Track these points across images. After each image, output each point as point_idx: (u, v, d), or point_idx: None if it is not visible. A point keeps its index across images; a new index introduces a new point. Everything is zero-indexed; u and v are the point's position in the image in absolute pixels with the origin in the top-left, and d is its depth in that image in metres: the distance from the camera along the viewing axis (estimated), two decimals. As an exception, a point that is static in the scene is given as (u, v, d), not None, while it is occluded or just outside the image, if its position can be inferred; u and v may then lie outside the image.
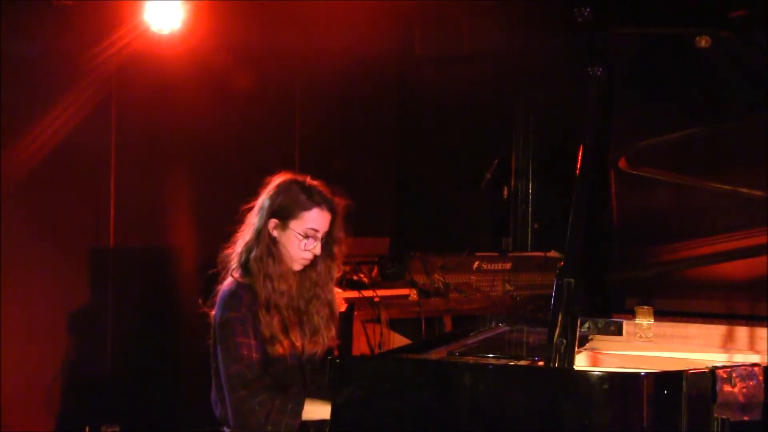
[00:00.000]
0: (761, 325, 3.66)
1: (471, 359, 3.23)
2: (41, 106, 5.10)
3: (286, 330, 3.26)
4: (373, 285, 5.12)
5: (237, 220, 3.39)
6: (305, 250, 3.29)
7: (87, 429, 5.25)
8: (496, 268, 5.78)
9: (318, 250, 3.32)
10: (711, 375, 2.70)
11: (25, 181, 5.07)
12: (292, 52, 6.16)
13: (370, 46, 6.45)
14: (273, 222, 3.29)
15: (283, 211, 3.29)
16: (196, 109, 5.67)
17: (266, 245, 3.27)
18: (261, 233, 3.28)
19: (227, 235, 3.41)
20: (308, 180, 3.36)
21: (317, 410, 3.10)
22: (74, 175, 5.29)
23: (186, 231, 5.74)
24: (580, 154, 3.08)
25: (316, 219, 3.29)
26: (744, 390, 2.71)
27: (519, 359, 3.21)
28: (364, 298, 4.99)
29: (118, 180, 5.43)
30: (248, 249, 3.30)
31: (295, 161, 6.27)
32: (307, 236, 3.28)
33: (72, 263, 5.31)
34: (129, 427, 5.35)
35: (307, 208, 3.28)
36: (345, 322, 4.85)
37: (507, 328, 4.05)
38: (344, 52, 6.29)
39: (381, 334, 5.03)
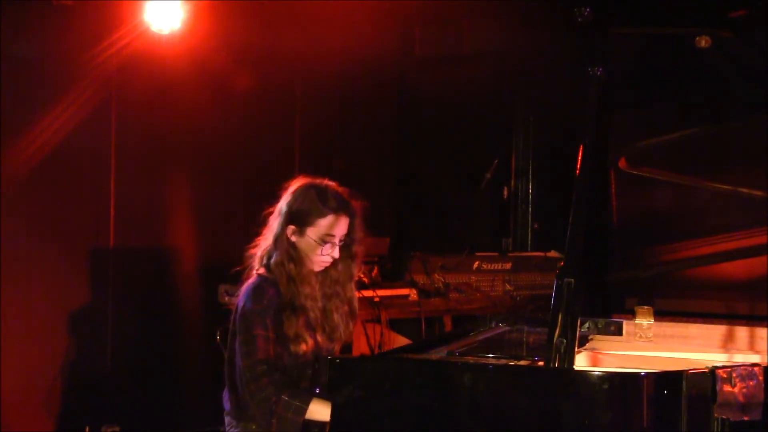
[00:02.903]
0: (761, 325, 3.65)
1: (471, 359, 3.22)
2: (41, 106, 5.10)
3: (312, 328, 3.31)
4: (373, 285, 5.12)
5: (261, 222, 3.42)
6: (323, 255, 3.33)
7: (87, 429, 5.25)
8: (496, 268, 5.78)
9: (337, 254, 3.37)
10: (711, 375, 2.70)
11: (25, 181, 5.07)
12: (292, 52, 6.16)
13: (370, 46, 6.44)
14: (291, 228, 3.33)
15: (299, 218, 3.33)
16: (196, 109, 5.67)
17: (285, 250, 3.32)
18: (280, 239, 3.33)
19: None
20: (325, 184, 3.39)
21: (323, 411, 3.11)
22: (74, 175, 5.29)
23: (186, 231, 5.74)
24: (580, 154, 3.08)
25: (333, 225, 3.33)
26: (744, 390, 2.71)
27: (519, 359, 3.20)
28: (364, 298, 4.99)
29: (118, 180, 5.43)
30: (268, 253, 3.35)
31: (295, 161, 6.27)
32: (324, 242, 3.33)
33: (72, 263, 5.31)
34: (129, 427, 5.35)
35: (323, 215, 3.32)
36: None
37: (507, 328, 4.04)
38: (344, 52, 6.29)
39: (381, 334, 5.03)
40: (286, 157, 6.25)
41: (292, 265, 3.30)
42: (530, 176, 6.84)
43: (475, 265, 5.69)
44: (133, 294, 5.51)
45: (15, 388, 4.98)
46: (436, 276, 5.46)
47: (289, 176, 3.45)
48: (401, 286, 5.30)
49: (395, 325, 5.16)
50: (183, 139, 5.70)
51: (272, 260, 3.32)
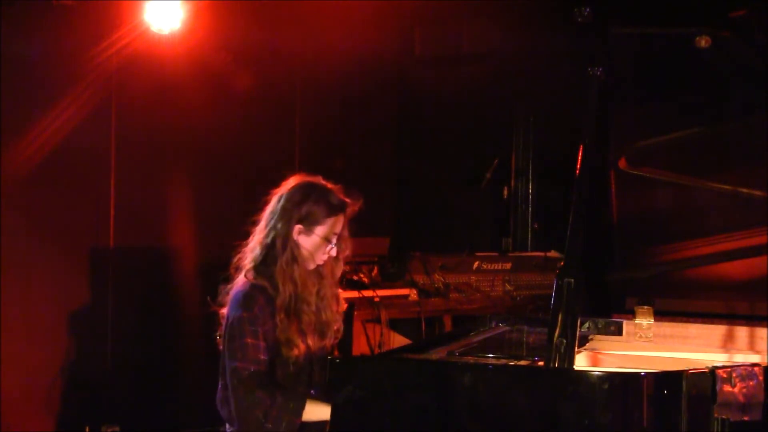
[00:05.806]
0: (761, 325, 3.65)
1: (471, 359, 3.23)
2: (41, 106, 5.11)
3: (303, 333, 3.29)
4: (373, 285, 5.12)
5: (253, 222, 3.38)
6: (326, 253, 3.33)
7: (87, 429, 5.25)
8: (496, 268, 5.77)
9: (335, 252, 3.36)
10: (711, 375, 2.70)
11: (25, 181, 5.07)
12: (292, 52, 6.16)
13: (370, 46, 6.45)
14: (298, 228, 3.30)
15: (309, 217, 3.30)
16: (196, 109, 5.68)
17: (291, 251, 3.29)
18: (287, 239, 3.29)
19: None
20: (323, 182, 3.38)
21: (318, 411, 3.10)
22: (74, 175, 5.29)
23: (186, 231, 5.74)
24: (580, 154, 3.08)
25: (339, 223, 3.34)
26: (744, 390, 2.71)
27: (519, 359, 3.21)
28: (364, 298, 4.99)
29: (118, 180, 5.44)
30: (269, 253, 3.30)
31: (295, 161, 6.27)
32: (330, 240, 3.32)
33: (72, 263, 5.31)
34: (129, 427, 5.35)
35: (333, 214, 3.32)
36: (345, 322, 4.85)
37: (507, 328, 4.04)
38: (344, 52, 6.29)
39: (381, 334, 5.03)
40: (286, 157, 6.25)
41: (295, 266, 3.28)
42: (530, 176, 6.84)
43: (475, 265, 5.69)
44: (133, 294, 5.51)
45: (15, 388, 4.98)
46: (436, 276, 5.46)
47: (290, 176, 3.43)
48: (401, 286, 5.30)
49: (395, 325, 5.16)
50: (183, 139, 5.70)
51: (278, 262, 3.27)
